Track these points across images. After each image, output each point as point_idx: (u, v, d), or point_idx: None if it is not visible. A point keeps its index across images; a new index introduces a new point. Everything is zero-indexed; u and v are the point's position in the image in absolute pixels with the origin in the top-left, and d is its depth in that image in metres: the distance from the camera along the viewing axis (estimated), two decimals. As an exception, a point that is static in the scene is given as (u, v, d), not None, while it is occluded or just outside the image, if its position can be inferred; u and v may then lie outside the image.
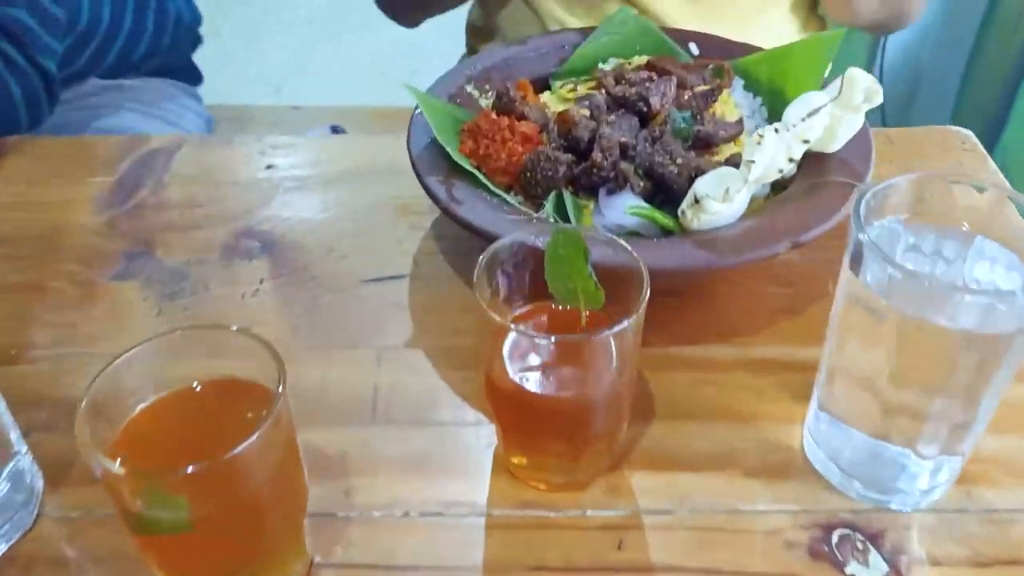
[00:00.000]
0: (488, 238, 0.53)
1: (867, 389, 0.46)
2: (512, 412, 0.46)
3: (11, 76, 0.80)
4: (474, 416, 0.53)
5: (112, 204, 0.70)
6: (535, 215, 0.56)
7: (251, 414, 0.41)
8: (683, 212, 0.54)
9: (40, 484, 0.49)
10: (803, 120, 0.51)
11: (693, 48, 0.71)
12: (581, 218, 0.57)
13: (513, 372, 0.44)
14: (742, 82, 0.67)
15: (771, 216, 0.54)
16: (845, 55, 0.64)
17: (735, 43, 0.71)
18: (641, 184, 0.56)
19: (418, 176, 0.58)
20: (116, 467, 0.35)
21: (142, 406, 0.40)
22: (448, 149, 0.59)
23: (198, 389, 0.41)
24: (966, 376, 0.43)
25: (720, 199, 0.51)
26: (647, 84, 0.61)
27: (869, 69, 1.45)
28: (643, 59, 0.69)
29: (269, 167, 0.73)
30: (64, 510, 0.48)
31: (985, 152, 0.74)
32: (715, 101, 0.62)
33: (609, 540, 0.47)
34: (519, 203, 0.59)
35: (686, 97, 0.61)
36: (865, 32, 1.19)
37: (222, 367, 0.42)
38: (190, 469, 0.35)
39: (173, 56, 1.13)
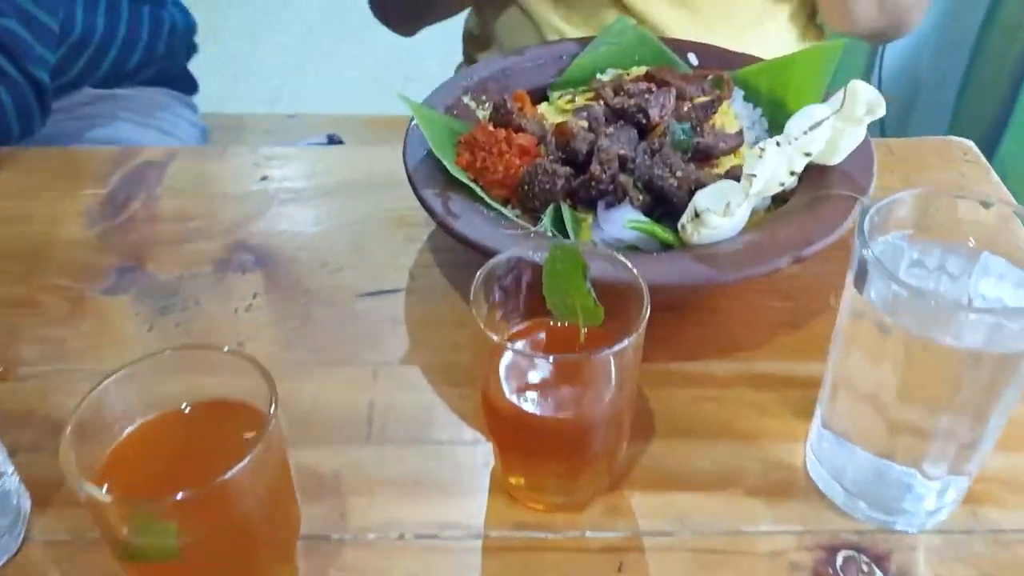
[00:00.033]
0: (485, 253, 0.52)
1: (871, 406, 0.45)
2: (509, 432, 0.46)
3: (2, 87, 0.79)
4: (471, 435, 0.52)
5: (103, 217, 0.69)
6: (532, 229, 0.55)
7: (242, 437, 0.40)
8: (683, 226, 0.53)
9: (27, 506, 0.48)
10: (805, 133, 0.50)
11: (692, 58, 0.71)
12: (579, 232, 0.56)
13: (510, 392, 0.43)
14: (742, 93, 0.66)
15: (772, 230, 0.54)
16: (843, 64, 0.63)
17: (734, 53, 0.70)
18: (640, 198, 0.55)
19: (414, 189, 0.58)
20: (102, 494, 0.34)
21: (129, 429, 0.39)
22: (444, 162, 0.58)
23: (187, 411, 0.40)
24: (973, 395, 0.42)
25: (721, 213, 0.51)
26: (646, 96, 0.60)
27: (867, 78, 1.45)
28: (642, 70, 0.68)
29: (263, 179, 0.72)
30: (52, 533, 0.47)
31: (987, 163, 0.73)
32: (715, 113, 0.61)
33: (609, 563, 0.46)
34: (516, 216, 0.58)
35: (685, 109, 0.61)
36: (864, 40, 1.18)
37: (212, 388, 0.41)
38: (179, 496, 0.34)
39: (168, 65, 1.12)
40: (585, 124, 0.60)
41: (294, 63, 2.37)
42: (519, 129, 0.60)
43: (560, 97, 0.67)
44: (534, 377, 0.44)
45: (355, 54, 2.32)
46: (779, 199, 0.58)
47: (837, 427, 0.48)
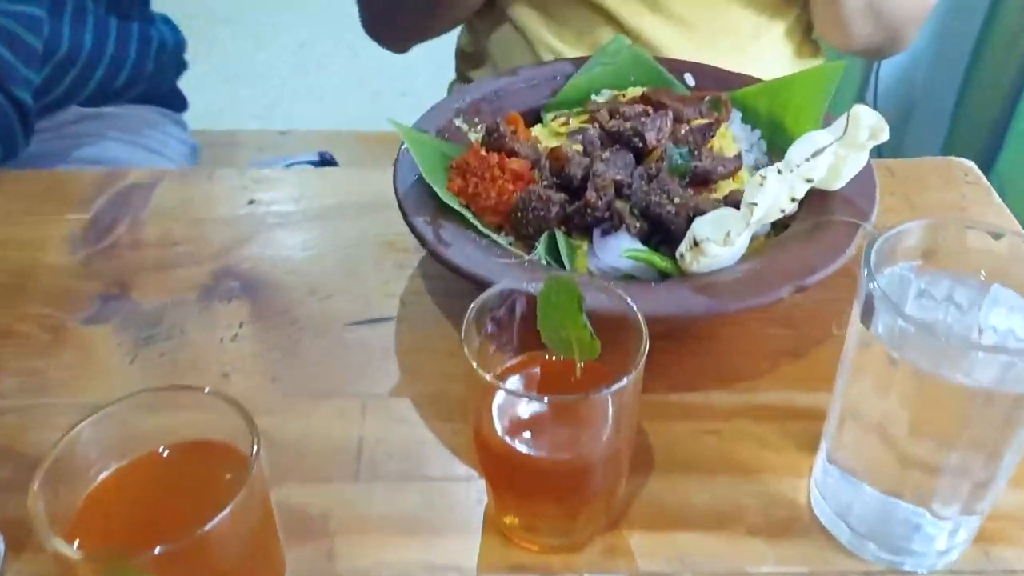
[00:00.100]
0: (478, 282, 0.51)
1: (879, 441, 0.43)
2: (503, 472, 0.44)
3: (-16, 108, 0.77)
4: (464, 471, 0.50)
5: (86, 242, 0.67)
6: (527, 257, 0.54)
7: (223, 480, 0.38)
8: (681, 255, 0.52)
9: (1, 549, 0.46)
10: (807, 160, 0.49)
11: (689, 79, 0.69)
12: (575, 260, 0.55)
13: (503, 431, 0.42)
14: (740, 114, 0.65)
15: (773, 258, 0.52)
16: (839, 80, 0.63)
17: (732, 74, 0.69)
18: (637, 225, 0.54)
19: (405, 217, 0.56)
20: (72, 550, 0.32)
21: (104, 474, 0.37)
22: (435, 188, 0.56)
23: (165, 454, 0.39)
24: (986, 432, 0.40)
25: (721, 242, 0.49)
26: (642, 119, 0.59)
27: (863, 93, 1.44)
28: (637, 91, 0.67)
29: (251, 202, 0.71)
30: (26, 578, 0.45)
31: (988, 184, 0.72)
32: (713, 136, 0.60)
33: (607, 607, 0.44)
34: (509, 244, 0.56)
35: (683, 132, 0.59)
36: (859, 57, 1.17)
37: (191, 429, 0.39)
38: (156, 551, 0.33)
39: (157, 82, 1.10)
40: (580, 148, 0.59)
41: (286, 78, 2.35)
42: (512, 153, 0.59)
43: (554, 119, 0.66)
44: (529, 417, 0.42)
45: (348, 69, 2.31)
46: (779, 224, 0.57)
47: (843, 462, 0.46)
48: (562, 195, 0.55)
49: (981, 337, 0.44)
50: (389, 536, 0.47)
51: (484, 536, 0.47)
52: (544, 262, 0.54)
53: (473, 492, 0.49)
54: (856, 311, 0.42)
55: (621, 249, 0.53)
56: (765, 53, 0.91)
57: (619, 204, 0.54)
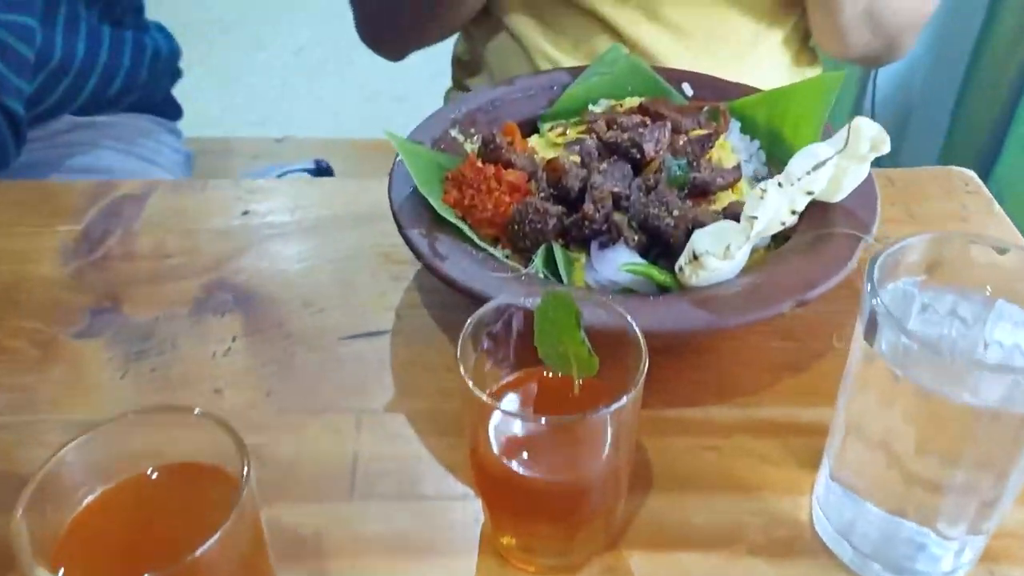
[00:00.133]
0: (473, 297, 0.50)
1: (883, 458, 0.42)
2: (500, 492, 0.43)
3: (-26, 119, 0.76)
4: (461, 489, 0.50)
5: (78, 255, 0.66)
6: (523, 271, 0.53)
7: (212, 503, 0.37)
8: (680, 268, 0.51)
9: (-12, 571, 0.45)
10: (808, 174, 0.48)
11: (687, 88, 0.69)
12: (572, 273, 0.54)
13: (500, 451, 0.41)
14: (739, 124, 0.64)
15: (774, 272, 0.51)
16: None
17: (730, 83, 0.68)
18: (635, 238, 0.53)
19: (400, 229, 0.55)
20: (56, 580, 0.32)
21: (90, 498, 0.36)
22: (431, 200, 0.56)
23: (153, 477, 0.38)
24: (992, 451, 0.40)
25: (721, 256, 0.48)
26: (640, 130, 0.58)
27: (861, 100, 1.44)
28: (635, 100, 0.66)
29: (245, 213, 0.70)
30: (13, 602, 0.44)
31: (989, 195, 0.71)
32: (712, 147, 0.59)
33: (606, 630, 0.43)
34: (506, 257, 0.56)
35: (681, 143, 0.58)
36: (856, 64, 1.17)
37: (179, 451, 0.38)
38: (141, 578, 0.32)
39: (151, 91, 1.09)
40: (577, 159, 0.58)
41: (282, 85, 2.35)
42: (509, 165, 0.58)
43: (551, 129, 0.65)
44: (526, 436, 0.41)
45: (344, 75, 2.31)
46: (780, 236, 0.56)
47: (846, 480, 0.45)
48: (559, 207, 0.55)
49: (986, 352, 0.43)
50: (384, 557, 0.46)
51: (480, 557, 0.46)
52: (541, 275, 0.53)
53: (469, 511, 0.48)
54: (859, 328, 0.41)
55: (619, 262, 0.52)
56: (763, 61, 0.91)
57: (617, 216, 0.54)
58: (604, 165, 0.57)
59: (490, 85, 0.72)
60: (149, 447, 0.38)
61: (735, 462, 0.51)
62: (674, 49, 0.87)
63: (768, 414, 0.54)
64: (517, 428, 0.41)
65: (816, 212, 0.55)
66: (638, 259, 0.53)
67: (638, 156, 0.58)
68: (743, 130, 0.64)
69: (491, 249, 0.55)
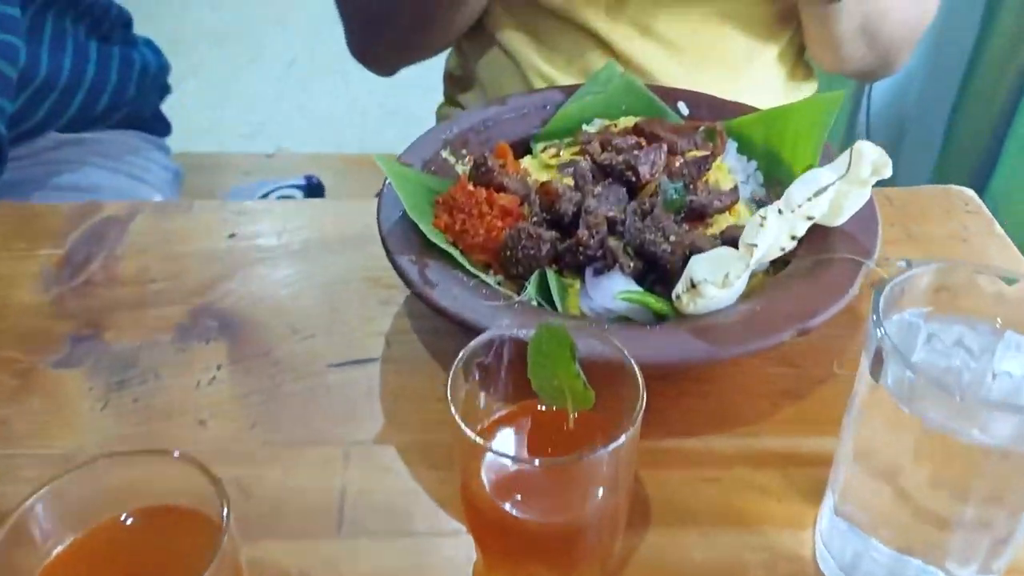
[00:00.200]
0: (465, 326, 0.49)
1: (889, 494, 0.41)
2: (492, 533, 0.41)
3: (-45, 139, 0.75)
4: (453, 526, 0.48)
5: (59, 280, 0.64)
6: (516, 298, 0.51)
7: (191, 549, 0.35)
8: (678, 296, 0.50)
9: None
10: (809, 200, 0.47)
11: (682, 107, 0.68)
12: (566, 300, 0.52)
13: (493, 492, 0.39)
14: (735, 145, 0.63)
15: (773, 299, 0.50)
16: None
17: (727, 102, 0.67)
18: (631, 264, 0.52)
19: (389, 255, 0.54)
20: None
21: (59, 549, 0.34)
22: (421, 226, 0.54)
23: (127, 523, 0.36)
24: (1003, 488, 0.38)
25: (719, 284, 0.47)
26: (635, 152, 0.57)
27: (855, 114, 1.43)
28: (630, 120, 0.65)
29: (231, 236, 0.68)
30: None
31: (990, 215, 0.70)
32: (708, 169, 0.58)
33: (604, 675, 0.42)
34: (498, 283, 0.54)
35: (677, 165, 0.57)
36: (851, 79, 1.16)
37: (155, 495, 0.36)
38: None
39: (139, 107, 1.08)
40: (571, 182, 0.57)
41: (274, 98, 2.33)
42: (501, 188, 0.56)
43: (545, 150, 0.64)
44: (519, 477, 0.40)
45: (337, 88, 2.29)
46: (779, 260, 0.55)
47: (850, 515, 0.44)
48: (553, 233, 0.53)
49: (995, 382, 0.42)
50: (372, 597, 0.45)
51: (473, 596, 0.45)
52: (535, 303, 0.52)
53: (461, 549, 0.47)
54: (864, 362, 0.39)
55: (615, 290, 0.51)
56: (758, 76, 0.90)
57: (612, 242, 0.52)
58: (598, 188, 0.55)
59: (482, 103, 0.70)
60: (123, 491, 0.36)
61: (735, 495, 0.50)
62: (668, 65, 0.86)
63: (769, 444, 0.52)
64: (510, 468, 0.40)
65: (816, 236, 0.54)
66: (634, 286, 0.52)
67: (633, 179, 0.56)
68: (740, 150, 0.63)
69: (483, 275, 0.54)
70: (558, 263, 0.54)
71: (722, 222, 0.57)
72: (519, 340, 0.42)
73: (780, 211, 0.47)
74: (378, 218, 0.56)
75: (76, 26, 0.98)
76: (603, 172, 0.57)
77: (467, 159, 0.63)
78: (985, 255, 0.66)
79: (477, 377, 0.43)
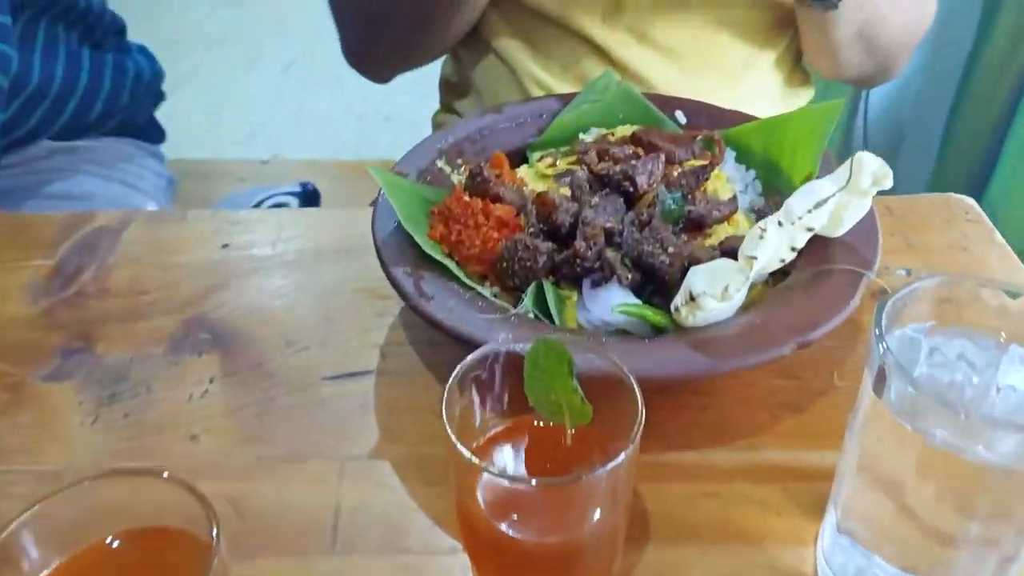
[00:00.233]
0: (460, 340, 0.48)
1: (893, 511, 0.40)
2: (488, 553, 0.41)
3: (-55, 148, 0.74)
4: (448, 543, 0.47)
5: (49, 292, 0.63)
6: (512, 311, 0.51)
7: (180, 573, 0.35)
8: (677, 308, 0.49)
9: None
10: (809, 212, 0.47)
11: (680, 116, 0.67)
12: (563, 312, 0.52)
13: (489, 512, 0.38)
14: (734, 154, 0.62)
15: (773, 311, 0.49)
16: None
17: (725, 111, 0.66)
18: (629, 276, 0.51)
19: (384, 267, 0.53)
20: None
21: (44, 574, 0.34)
22: (416, 237, 0.53)
23: (114, 545, 0.35)
24: (1009, 505, 0.38)
25: (719, 297, 0.46)
26: (632, 161, 0.56)
27: (853, 121, 1.43)
28: (627, 129, 0.64)
29: (224, 246, 0.68)
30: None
31: (990, 223, 0.69)
32: (707, 179, 0.57)
33: None
34: (494, 295, 0.53)
35: (675, 174, 0.57)
36: (849, 85, 1.16)
37: (142, 516, 0.36)
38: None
39: (133, 114, 1.07)
40: (568, 192, 0.56)
41: (270, 103, 2.33)
42: (497, 198, 0.56)
43: (541, 159, 0.63)
44: (516, 497, 0.39)
45: (333, 93, 2.29)
46: (778, 271, 0.54)
47: (853, 531, 0.43)
48: (549, 244, 0.53)
49: (999, 395, 0.41)
50: (367, 617, 0.44)
51: (469, 615, 0.44)
52: (531, 316, 0.51)
53: (457, 566, 0.46)
54: (867, 379, 0.39)
55: (612, 302, 0.50)
56: (755, 82, 0.89)
57: (610, 253, 0.52)
58: (596, 199, 0.55)
59: (478, 109, 0.70)
60: (109, 513, 0.35)
61: (735, 510, 0.49)
62: (665, 72, 0.85)
63: (769, 457, 0.52)
64: (507, 487, 0.39)
65: (816, 247, 0.53)
66: (632, 298, 0.51)
67: (631, 189, 0.56)
68: (738, 159, 0.63)
69: (479, 287, 0.53)
70: (555, 275, 0.53)
71: (721, 232, 0.56)
72: (515, 354, 0.42)
73: (780, 223, 0.47)
74: (373, 229, 0.55)
75: (69, 33, 0.97)
76: (600, 182, 0.57)
77: (463, 169, 0.62)
78: (986, 264, 0.66)
79: (473, 392, 0.42)
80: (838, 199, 0.49)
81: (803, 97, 0.95)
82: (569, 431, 0.42)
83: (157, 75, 1.10)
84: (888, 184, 0.49)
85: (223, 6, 2.62)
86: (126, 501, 0.35)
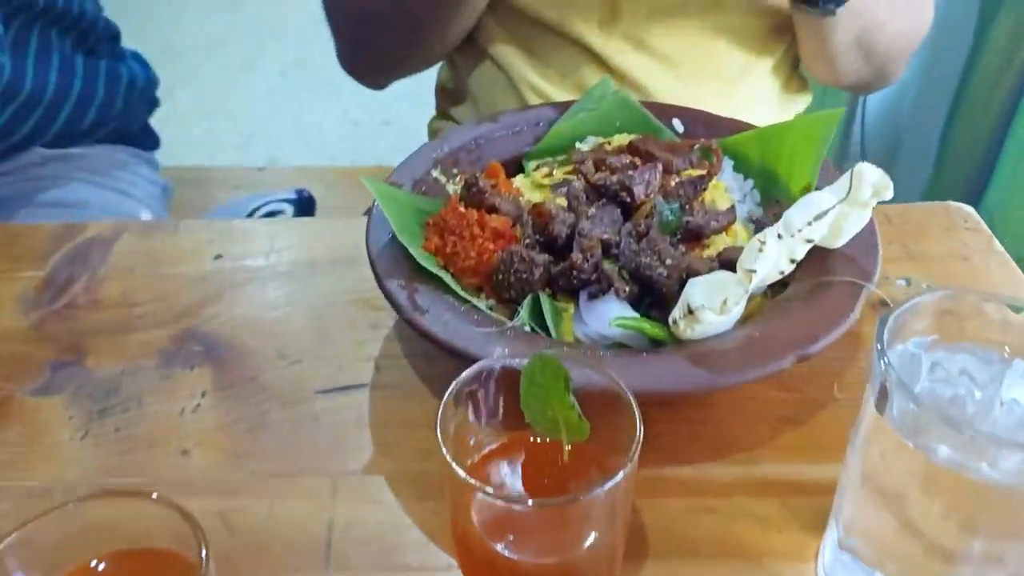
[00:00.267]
0: (456, 354, 0.47)
1: (896, 525, 0.40)
2: (484, 573, 0.40)
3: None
4: (444, 560, 0.46)
5: (39, 304, 0.63)
6: (509, 324, 0.50)
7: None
8: (675, 321, 0.48)
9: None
10: (809, 224, 0.46)
11: (677, 124, 0.66)
12: (560, 325, 0.51)
13: (484, 531, 0.38)
14: (731, 163, 0.62)
15: (773, 324, 0.49)
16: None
17: (723, 119, 0.66)
18: (627, 288, 0.50)
19: (378, 280, 0.52)
20: None
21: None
22: (410, 249, 0.53)
23: (99, 568, 0.34)
24: (1014, 522, 0.37)
25: (718, 310, 0.46)
26: (630, 171, 0.56)
27: (850, 127, 1.42)
28: (624, 138, 0.63)
29: (217, 257, 0.67)
30: None
31: (989, 232, 0.69)
32: (704, 189, 0.57)
33: None
34: (490, 308, 0.53)
35: (673, 184, 0.56)
36: (846, 91, 1.15)
37: (129, 536, 0.35)
38: None
39: (126, 121, 1.06)
40: (564, 203, 0.56)
41: (266, 109, 2.32)
42: (493, 209, 0.55)
43: (537, 168, 0.63)
44: (512, 517, 0.38)
45: (328, 99, 2.28)
46: (777, 282, 0.54)
47: (855, 547, 0.43)
48: (546, 256, 0.52)
49: (1002, 409, 0.40)
50: (360, 637, 0.43)
51: (465, 635, 0.43)
52: (528, 328, 0.50)
53: (452, 584, 0.45)
54: (869, 395, 0.38)
55: (610, 315, 0.49)
56: (753, 89, 0.89)
57: (607, 265, 0.51)
58: (592, 210, 0.54)
59: (474, 116, 0.69)
60: (96, 535, 0.35)
61: (734, 525, 0.48)
62: (662, 79, 0.84)
63: (768, 471, 0.51)
64: (502, 507, 0.38)
65: (815, 258, 0.52)
66: (629, 311, 0.50)
67: (628, 200, 0.55)
68: (736, 168, 0.62)
69: (474, 300, 0.52)
70: (551, 287, 0.52)
71: (719, 243, 0.56)
72: (511, 370, 0.41)
73: (779, 235, 0.46)
74: (367, 241, 0.54)
75: (62, 40, 0.96)
76: (597, 193, 0.56)
77: (458, 178, 0.61)
78: (985, 273, 0.65)
79: (468, 409, 0.41)
80: (838, 211, 0.48)
81: (801, 103, 0.95)
82: (566, 447, 0.41)
83: (151, 82, 1.09)
84: (888, 195, 0.49)
85: (218, 11, 2.62)
86: (113, 522, 0.34)
